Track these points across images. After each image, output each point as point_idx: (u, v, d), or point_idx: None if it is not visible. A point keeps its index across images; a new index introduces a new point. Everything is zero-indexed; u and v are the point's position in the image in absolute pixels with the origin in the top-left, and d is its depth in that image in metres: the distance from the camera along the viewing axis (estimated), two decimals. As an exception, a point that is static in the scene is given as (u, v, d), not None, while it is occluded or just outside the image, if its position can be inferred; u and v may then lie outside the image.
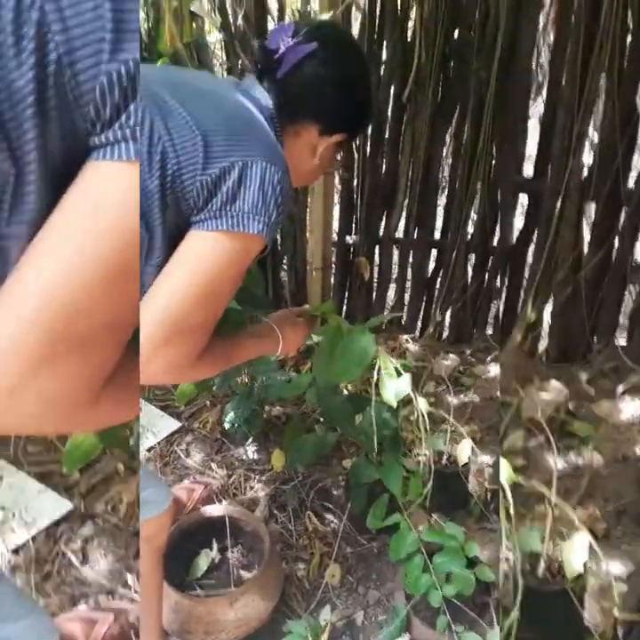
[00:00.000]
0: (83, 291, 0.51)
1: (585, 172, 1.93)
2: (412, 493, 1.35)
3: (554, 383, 1.87)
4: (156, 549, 1.18)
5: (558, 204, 1.93)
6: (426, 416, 1.28)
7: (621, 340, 2.16)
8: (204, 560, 1.45)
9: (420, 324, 2.60)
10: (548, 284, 2.02)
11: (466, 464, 1.62)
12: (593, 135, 2.07)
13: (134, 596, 1.46)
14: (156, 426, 2.01)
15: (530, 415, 1.76)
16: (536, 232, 2.13)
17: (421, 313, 2.54)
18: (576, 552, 1.21)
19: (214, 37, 2.35)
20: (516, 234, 2.22)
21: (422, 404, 1.28)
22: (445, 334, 2.54)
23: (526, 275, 2.21)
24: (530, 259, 2.22)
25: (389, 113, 2.22)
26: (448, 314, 2.49)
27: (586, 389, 1.96)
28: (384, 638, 1.29)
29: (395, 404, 1.18)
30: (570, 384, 1.93)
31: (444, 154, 2.36)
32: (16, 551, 1.58)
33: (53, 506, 1.71)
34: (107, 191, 0.50)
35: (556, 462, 1.32)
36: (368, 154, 2.27)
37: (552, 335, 2.15)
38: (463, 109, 2.13)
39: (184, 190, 0.81)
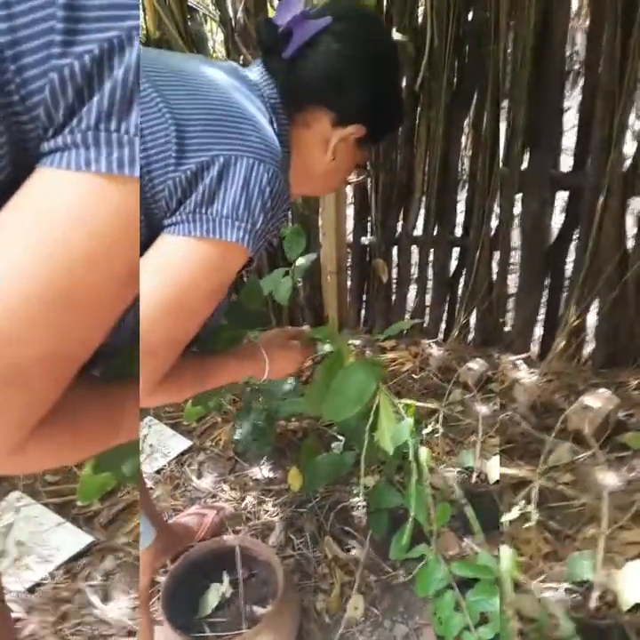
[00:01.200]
0: (14, 315, 0.40)
1: (627, 164, 1.78)
2: (438, 520, 1.21)
3: (602, 391, 1.72)
4: (141, 588, 1.06)
5: (600, 200, 1.79)
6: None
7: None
8: (213, 595, 1.33)
9: (443, 327, 2.45)
10: (593, 286, 1.86)
11: (497, 482, 1.47)
12: (634, 124, 1.91)
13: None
14: (166, 446, 1.91)
15: (576, 426, 1.61)
16: (577, 230, 1.97)
17: (444, 315, 2.40)
18: (632, 580, 1.06)
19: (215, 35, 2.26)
20: (554, 232, 2.06)
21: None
22: (471, 337, 2.39)
23: (569, 275, 2.05)
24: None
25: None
26: (473, 315, 2.34)
27: (637, 397, 1.79)
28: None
29: (391, 451, 1.05)
30: (619, 391, 1.77)
31: (463, 145, 2.22)
32: (31, 590, 1.48)
33: (72, 539, 1.61)
34: (49, 203, 0.41)
35: (606, 477, 1.16)
36: (381, 148, 2.14)
37: (598, 340, 1.99)
38: (481, 97, 1.98)
39: (153, 190, 0.68)
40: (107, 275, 0.43)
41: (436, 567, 1.14)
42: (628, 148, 1.80)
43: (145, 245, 0.69)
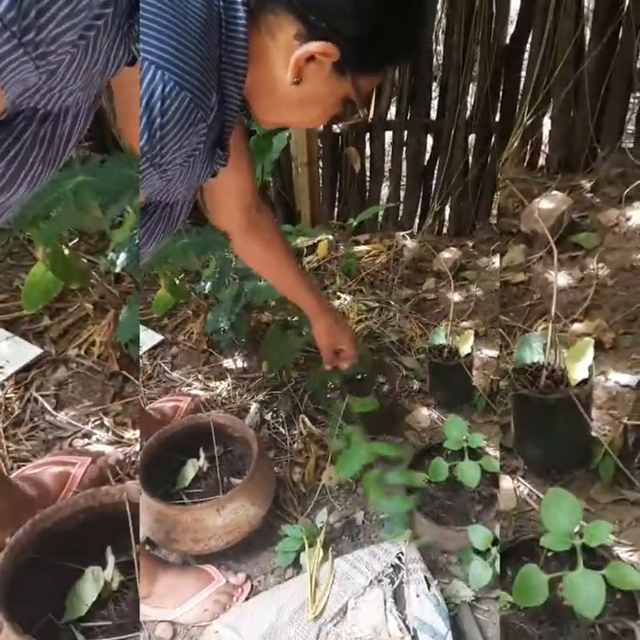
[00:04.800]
0: None
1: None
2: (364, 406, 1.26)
3: (555, 193, 1.68)
4: None
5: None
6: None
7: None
8: (190, 469, 1.35)
9: (417, 220, 2.41)
10: (547, 85, 1.78)
11: (469, 355, 1.49)
12: None
13: (111, 438, 1.42)
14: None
15: (531, 228, 1.60)
16: (531, 29, 1.85)
17: (419, 207, 2.34)
18: (580, 358, 1.12)
19: None
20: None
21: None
22: (445, 229, 2.35)
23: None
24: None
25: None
26: (448, 206, 2.29)
27: (590, 198, 1.78)
28: (385, 535, 1.21)
29: None
30: (573, 194, 1.75)
31: (437, 17, 2.07)
32: None
33: (21, 352, 1.62)
34: None
35: (557, 275, 1.18)
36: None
37: (553, 144, 1.94)
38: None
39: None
40: None
41: (360, 446, 1.17)
42: None
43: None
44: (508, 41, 1.90)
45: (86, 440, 1.46)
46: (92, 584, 0.94)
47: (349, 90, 0.73)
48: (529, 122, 1.76)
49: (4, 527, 1.04)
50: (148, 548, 1.20)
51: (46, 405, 1.52)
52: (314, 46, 0.66)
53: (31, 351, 1.63)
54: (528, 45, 1.89)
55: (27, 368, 1.61)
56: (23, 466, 1.33)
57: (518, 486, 1.25)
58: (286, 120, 0.84)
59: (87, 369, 1.62)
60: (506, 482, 1.25)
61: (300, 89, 0.71)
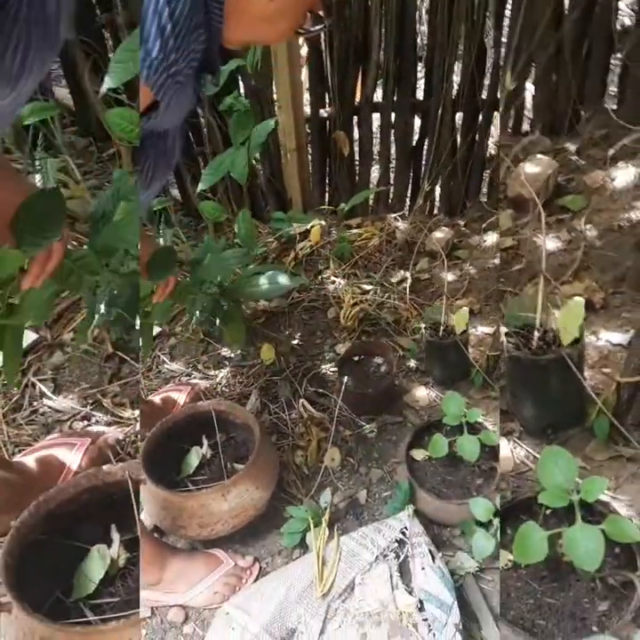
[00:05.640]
0: None
1: None
2: None
3: (540, 157, 1.68)
4: None
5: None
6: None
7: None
8: (194, 457, 1.36)
9: (408, 201, 2.41)
10: (528, 48, 1.77)
11: (464, 332, 1.50)
12: None
13: (110, 419, 1.45)
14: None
15: (517, 192, 1.60)
16: None
17: (409, 188, 2.34)
18: (571, 317, 1.12)
19: None
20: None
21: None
22: (436, 209, 2.35)
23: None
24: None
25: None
26: (438, 186, 2.29)
27: (575, 161, 1.79)
28: (388, 511, 1.23)
29: None
30: (558, 157, 1.75)
31: (421, -4, 2.07)
32: None
33: None
34: None
35: (545, 238, 1.19)
36: (334, 3, 1.97)
37: (536, 107, 1.94)
38: None
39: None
40: None
41: None
42: None
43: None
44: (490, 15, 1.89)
45: (85, 422, 1.48)
46: (98, 562, 0.95)
47: (314, 1, 0.81)
48: (512, 88, 1.74)
49: (8, 511, 1.07)
50: (155, 535, 1.22)
51: (44, 389, 1.53)
52: None
53: (27, 337, 1.62)
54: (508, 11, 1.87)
55: (23, 354, 1.61)
56: (24, 450, 1.35)
57: (515, 448, 1.27)
58: (257, 37, 0.88)
59: (83, 352, 1.63)
60: (502, 444, 1.26)
61: (273, 3, 0.75)
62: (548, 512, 0.92)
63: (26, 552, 0.88)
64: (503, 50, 1.90)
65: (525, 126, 2.01)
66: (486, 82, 2.02)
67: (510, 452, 1.24)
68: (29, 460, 1.25)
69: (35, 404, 1.47)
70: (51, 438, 1.36)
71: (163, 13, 0.61)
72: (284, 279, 1.48)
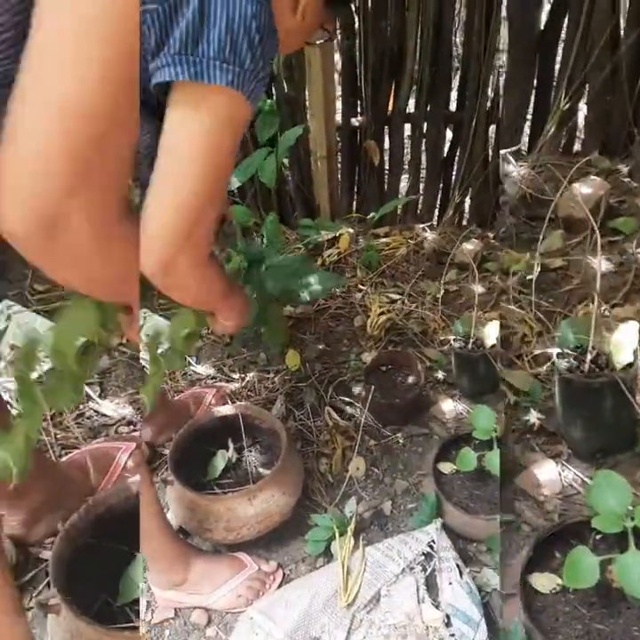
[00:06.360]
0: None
1: None
2: None
3: (593, 178, 1.67)
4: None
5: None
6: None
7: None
8: (220, 460, 1.37)
9: (437, 212, 2.40)
10: (584, 69, 1.76)
11: (493, 346, 1.49)
12: None
13: None
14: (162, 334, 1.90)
15: (568, 213, 1.58)
16: (567, 13, 1.84)
17: (438, 199, 2.34)
18: (624, 341, 1.12)
19: None
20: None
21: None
22: (465, 221, 2.34)
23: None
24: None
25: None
26: (468, 198, 2.28)
27: (627, 183, 1.77)
28: (414, 523, 1.22)
29: None
30: (610, 178, 1.73)
31: (457, 8, 2.06)
32: None
33: None
34: None
35: (600, 260, 1.17)
36: (370, 14, 1.98)
37: (589, 127, 1.92)
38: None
39: None
40: None
41: None
42: None
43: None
44: (542, 27, 1.88)
45: (131, 427, 1.50)
46: (220, 459, 1.03)
47: (329, 20, 0.91)
48: (565, 107, 1.74)
49: (54, 510, 1.12)
50: (180, 536, 1.22)
51: (91, 393, 1.56)
52: None
53: None
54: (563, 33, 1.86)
55: None
56: (70, 452, 1.37)
57: (563, 470, 1.25)
58: (283, 47, 0.92)
59: (129, 357, 1.66)
60: (550, 466, 1.25)
61: (300, 22, 0.83)
62: (597, 537, 0.91)
63: (75, 555, 0.89)
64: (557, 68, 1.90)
65: (576, 146, 1.99)
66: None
67: (558, 474, 1.23)
68: (75, 462, 1.28)
69: (82, 407, 1.49)
70: (97, 442, 1.39)
71: (251, 26, 0.64)
72: (335, 277, 1.50)
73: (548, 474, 1.23)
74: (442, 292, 1.84)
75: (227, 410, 1.41)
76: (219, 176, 0.71)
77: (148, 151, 0.74)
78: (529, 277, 1.46)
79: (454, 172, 2.23)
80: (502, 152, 1.91)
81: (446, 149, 2.22)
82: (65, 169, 0.51)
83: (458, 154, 2.17)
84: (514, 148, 1.99)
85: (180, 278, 0.72)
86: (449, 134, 2.24)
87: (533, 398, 1.36)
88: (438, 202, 2.35)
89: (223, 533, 1.19)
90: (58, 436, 1.42)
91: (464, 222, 2.33)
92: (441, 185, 2.30)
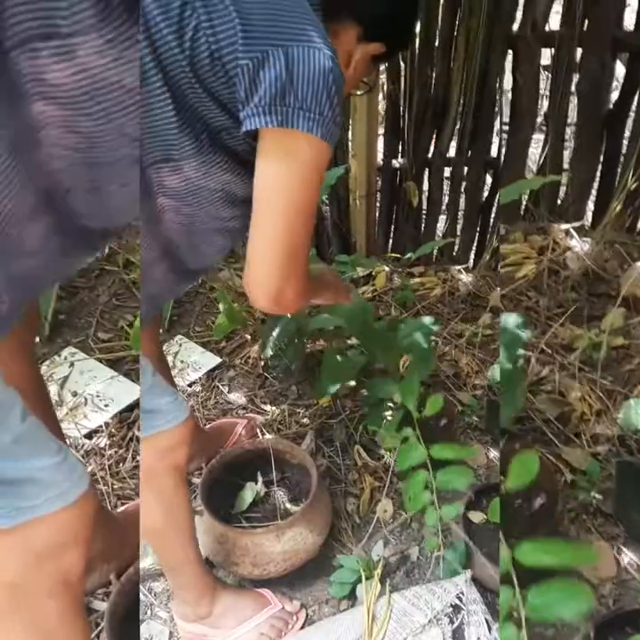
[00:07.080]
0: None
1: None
2: (431, 407, 1.24)
3: None
4: (177, 467, 1.02)
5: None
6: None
7: None
8: (248, 493, 1.38)
9: (473, 255, 2.41)
10: None
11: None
12: None
13: None
14: (197, 362, 1.94)
15: (630, 292, 1.56)
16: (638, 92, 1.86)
17: (475, 242, 2.35)
18: None
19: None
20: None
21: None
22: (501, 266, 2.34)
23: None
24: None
25: (440, 13, 1.98)
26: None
27: None
28: (443, 573, 1.20)
29: None
30: None
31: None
32: (89, 436, 1.60)
33: (126, 391, 1.70)
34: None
35: None
36: (416, 62, 2.05)
37: None
38: None
39: (226, 75, 0.72)
40: None
41: (415, 447, 1.18)
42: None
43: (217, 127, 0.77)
44: (611, 106, 1.92)
45: (245, 411, 1.73)
46: (249, 492, 1.39)
47: (371, 73, 1.06)
48: (633, 186, 1.76)
49: (109, 560, 1.17)
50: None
51: (221, 387, 1.68)
52: (374, 46, 0.90)
53: (135, 390, 1.69)
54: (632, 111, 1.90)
55: (130, 408, 1.67)
56: (126, 503, 1.40)
57: (618, 554, 1.22)
58: None
59: (250, 366, 1.83)
60: (605, 547, 1.22)
61: (351, 74, 0.92)
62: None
63: (211, 483, 1.31)
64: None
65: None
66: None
67: (613, 557, 1.20)
68: (131, 513, 1.31)
69: (137, 458, 1.50)
70: (225, 418, 1.65)
71: (328, 78, 0.73)
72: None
73: (604, 556, 1.20)
74: (479, 336, 1.83)
75: (259, 442, 1.43)
76: (309, 213, 0.79)
77: (224, 186, 0.83)
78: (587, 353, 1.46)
79: (492, 217, 2.25)
80: (564, 227, 1.94)
81: (485, 194, 2.25)
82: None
83: (496, 199, 2.19)
84: (577, 224, 2.01)
85: (289, 307, 0.84)
86: (488, 179, 2.27)
87: (591, 478, 1.33)
88: (474, 245, 2.37)
89: (249, 568, 1.19)
90: (114, 487, 1.45)
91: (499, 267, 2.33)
92: (478, 229, 2.32)
